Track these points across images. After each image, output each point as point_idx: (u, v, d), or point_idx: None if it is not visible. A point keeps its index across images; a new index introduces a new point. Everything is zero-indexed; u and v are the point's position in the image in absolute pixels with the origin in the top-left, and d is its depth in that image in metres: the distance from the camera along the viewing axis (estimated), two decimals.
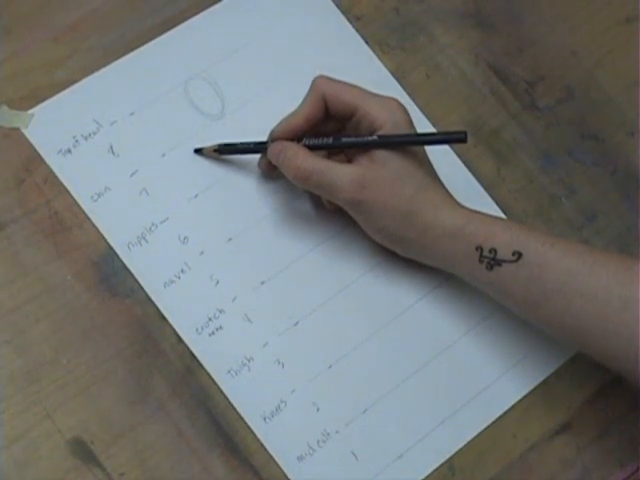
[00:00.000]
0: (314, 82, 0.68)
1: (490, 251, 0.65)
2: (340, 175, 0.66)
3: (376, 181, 0.66)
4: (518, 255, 0.64)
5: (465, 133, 0.67)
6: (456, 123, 0.76)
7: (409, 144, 0.67)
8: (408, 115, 0.68)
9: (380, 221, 0.67)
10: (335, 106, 0.68)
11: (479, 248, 0.65)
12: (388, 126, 0.67)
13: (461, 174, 0.74)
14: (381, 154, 0.66)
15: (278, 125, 0.69)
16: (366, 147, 0.67)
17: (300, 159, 0.66)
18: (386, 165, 0.66)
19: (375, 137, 0.66)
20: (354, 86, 0.68)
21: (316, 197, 0.71)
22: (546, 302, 0.64)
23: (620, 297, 0.62)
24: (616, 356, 0.63)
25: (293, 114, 0.68)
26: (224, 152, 0.70)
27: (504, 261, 0.65)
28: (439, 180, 0.69)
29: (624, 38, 0.81)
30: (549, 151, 0.77)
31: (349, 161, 0.69)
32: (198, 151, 0.70)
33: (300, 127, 0.68)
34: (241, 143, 0.70)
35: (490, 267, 0.65)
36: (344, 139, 0.68)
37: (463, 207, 0.67)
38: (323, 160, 0.67)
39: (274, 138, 0.69)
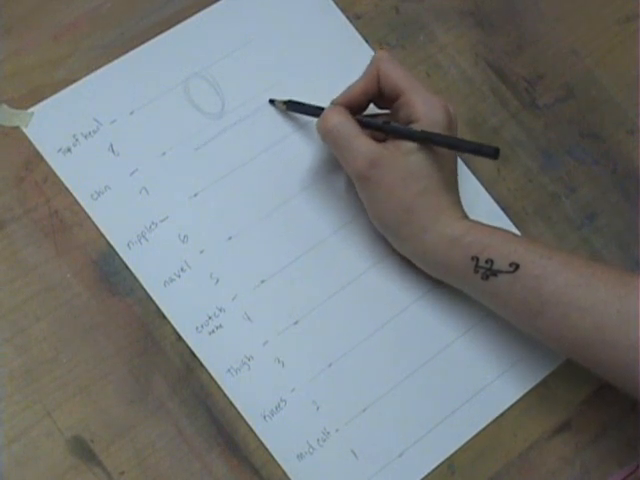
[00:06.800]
0: (374, 56, 0.69)
1: (486, 262, 0.64)
2: (358, 145, 0.66)
3: (389, 166, 0.65)
4: (515, 266, 0.64)
5: (497, 150, 0.64)
6: None
7: (448, 146, 0.66)
8: (451, 118, 0.67)
9: (381, 207, 0.66)
10: (384, 84, 0.68)
11: (475, 258, 0.65)
12: (424, 121, 0.66)
13: (461, 173, 0.74)
14: (408, 145, 0.66)
15: (339, 95, 0.69)
16: (409, 138, 0.66)
17: (331, 113, 0.67)
18: (407, 157, 0.66)
19: (420, 130, 0.66)
20: (408, 73, 0.68)
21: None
22: (543, 314, 0.63)
23: (618, 310, 0.61)
24: (614, 368, 0.62)
25: (352, 85, 0.69)
26: (291, 109, 0.71)
27: (500, 272, 0.64)
28: (455, 189, 0.68)
29: (624, 37, 0.81)
30: (549, 150, 0.77)
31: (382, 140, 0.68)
32: (272, 102, 0.72)
33: (357, 99, 0.68)
34: (309, 105, 0.71)
35: (485, 277, 0.65)
36: (393, 124, 0.67)
37: (466, 219, 0.67)
38: (352, 125, 0.67)
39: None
